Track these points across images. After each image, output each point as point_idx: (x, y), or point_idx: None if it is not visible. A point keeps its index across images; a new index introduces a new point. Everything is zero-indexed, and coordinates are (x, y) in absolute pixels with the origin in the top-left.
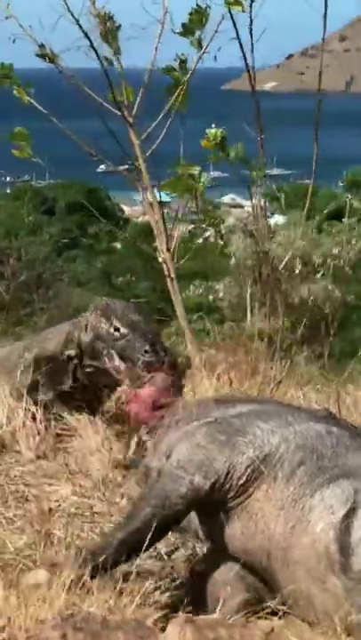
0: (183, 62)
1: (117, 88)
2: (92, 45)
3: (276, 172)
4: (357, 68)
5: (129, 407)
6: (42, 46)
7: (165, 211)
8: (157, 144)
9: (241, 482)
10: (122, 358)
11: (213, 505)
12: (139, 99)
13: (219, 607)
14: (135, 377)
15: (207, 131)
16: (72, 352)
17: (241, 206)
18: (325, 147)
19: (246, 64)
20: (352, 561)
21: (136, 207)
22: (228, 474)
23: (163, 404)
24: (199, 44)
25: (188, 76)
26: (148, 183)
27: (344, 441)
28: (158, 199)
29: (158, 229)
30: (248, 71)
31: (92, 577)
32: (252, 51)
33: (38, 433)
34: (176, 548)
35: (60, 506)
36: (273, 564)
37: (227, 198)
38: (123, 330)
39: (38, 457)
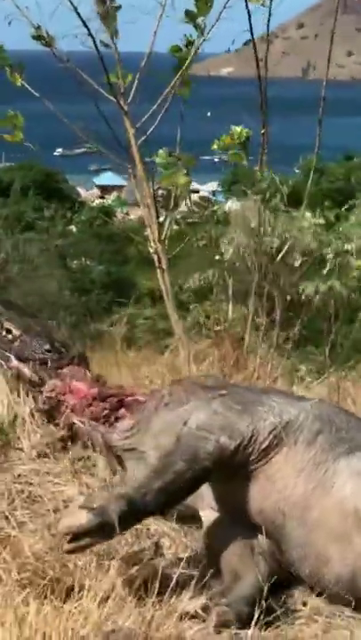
0: (190, 43)
1: (113, 73)
2: (90, 34)
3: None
4: (315, 55)
5: (64, 399)
6: (38, 28)
7: (118, 194)
8: (151, 131)
9: (263, 446)
10: (20, 360)
11: (234, 467)
12: (135, 86)
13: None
14: (49, 374)
15: (232, 127)
16: None
17: (196, 191)
18: (281, 133)
19: (256, 57)
20: None
21: (92, 191)
22: (252, 437)
23: (111, 394)
24: (201, 31)
25: (190, 59)
26: (141, 172)
27: (355, 420)
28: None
29: (150, 219)
30: (258, 64)
31: (125, 524)
32: (268, 47)
33: (39, 428)
34: (196, 553)
35: (67, 507)
36: (288, 523)
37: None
38: (15, 331)
39: (40, 455)
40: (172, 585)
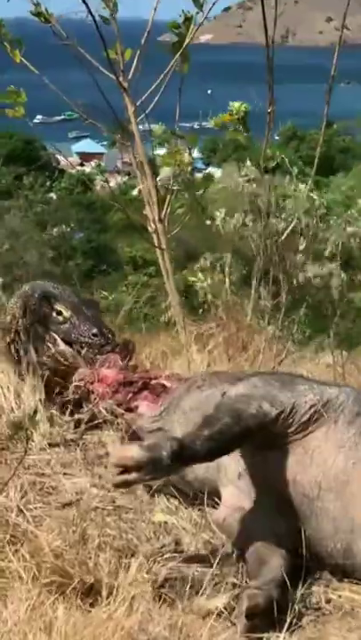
0: (188, 19)
1: (113, 48)
2: (89, 11)
3: (212, 124)
4: (294, 21)
5: (94, 388)
6: (37, 5)
7: (98, 162)
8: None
9: (304, 419)
10: (66, 342)
11: (273, 437)
12: (135, 62)
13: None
14: (88, 360)
15: (230, 104)
16: (7, 339)
17: None
18: (263, 99)
19: (265, 25)
20: None
21: (71, 158)
22: (292, 409)
23: (136, 379)
24: (200, 6)
25: (192, 35)
26: (142, 151)
27: None
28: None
29: (150, 198)
30: (266, 32)
31: (174, 464)
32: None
33: (51, 418)
34: (218, 551)
35: (80, 499)
36: (325, 496)
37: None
38: (66, 313)
39: (50, 444)
40: (193, 583)
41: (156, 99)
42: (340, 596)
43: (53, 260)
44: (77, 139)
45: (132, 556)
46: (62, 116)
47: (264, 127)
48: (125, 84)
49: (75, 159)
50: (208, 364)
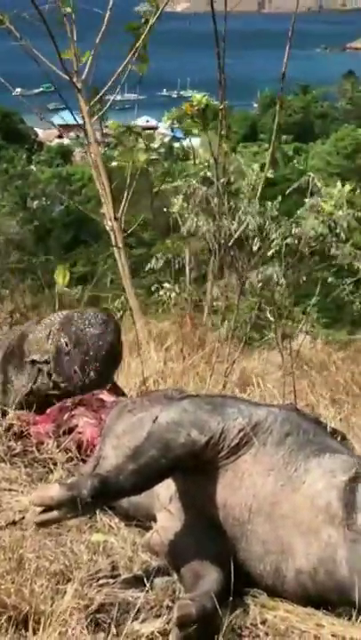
0: (147, 21)
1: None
2: (42, 18)
3: (190, 93)
4: None
5: (30, 431)
6: None
7: (77, 134)
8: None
9: (233, 444)
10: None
11: (203, 462)
12: (88, 63)
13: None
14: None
15: (192, 95)
16: (37, 357)
17: (155, 128)
18: (239, 68)
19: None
20: (357, 517)
21: (49, 130)
22: (221, 434)
23: (66, 405)
24: (157, 5)
25: (148, 29)
26: (96, 151)
27: (320, 427)
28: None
29: (105, 196)
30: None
31: (97, 501)
32: None
33: None
34: (154, 575)
35: (23, 518)
36: (255, 519)
37: (141, 120)
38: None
39: None
40: (128, 608)
41: (112, 98)
42: (275, 616)
43: (35, 233)
44: (56, 110)
45: (69, 581)
46: (40, 89)
47: (244, 93)
48: (79, 85)
49: (53, 131)
50: (164, 362)
